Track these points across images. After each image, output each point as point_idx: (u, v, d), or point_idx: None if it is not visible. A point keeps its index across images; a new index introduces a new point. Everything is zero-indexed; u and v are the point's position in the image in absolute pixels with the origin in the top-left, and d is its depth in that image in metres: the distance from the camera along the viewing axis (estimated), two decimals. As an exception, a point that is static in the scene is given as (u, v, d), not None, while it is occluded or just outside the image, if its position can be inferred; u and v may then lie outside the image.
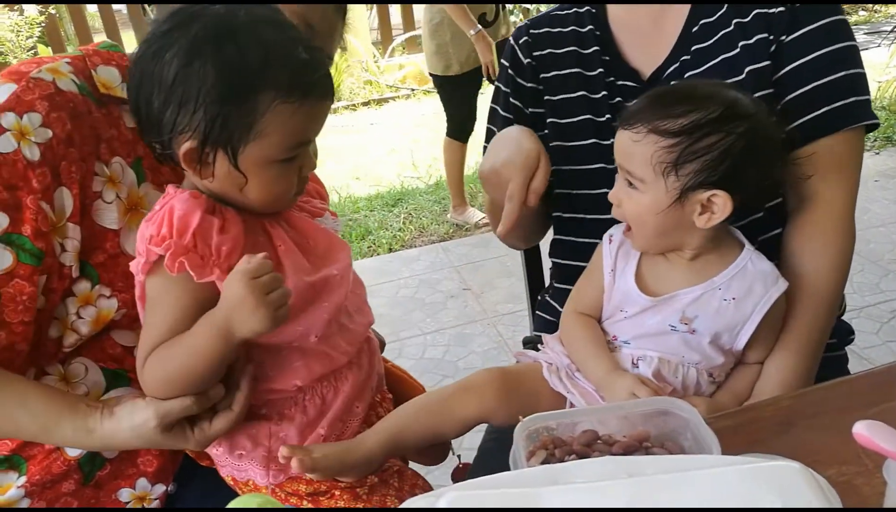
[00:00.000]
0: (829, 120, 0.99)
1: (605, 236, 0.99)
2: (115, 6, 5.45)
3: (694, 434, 0.71)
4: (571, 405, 0.96)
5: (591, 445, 0.72)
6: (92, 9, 5.67)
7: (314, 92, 0.81)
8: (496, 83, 1.23)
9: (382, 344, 1.18)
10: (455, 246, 3.26)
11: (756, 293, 0.91)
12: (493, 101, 1.23)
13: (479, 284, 2.91)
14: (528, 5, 5.48)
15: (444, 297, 2.85)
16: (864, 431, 0.61)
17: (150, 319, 0.85)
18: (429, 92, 5.38)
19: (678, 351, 0.92)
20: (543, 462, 0.70)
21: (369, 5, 5.76)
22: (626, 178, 0.89)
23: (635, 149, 0.86)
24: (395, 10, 5.75)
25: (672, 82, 1.05)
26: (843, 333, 1.13)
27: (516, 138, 0.99)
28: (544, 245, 1.38)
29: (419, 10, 5.66)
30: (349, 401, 0.95)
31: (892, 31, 4.18)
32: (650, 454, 0.72)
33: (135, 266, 0.84)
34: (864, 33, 5.61)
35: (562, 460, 0.70)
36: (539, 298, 1.30)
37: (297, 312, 0.86)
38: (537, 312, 1.28)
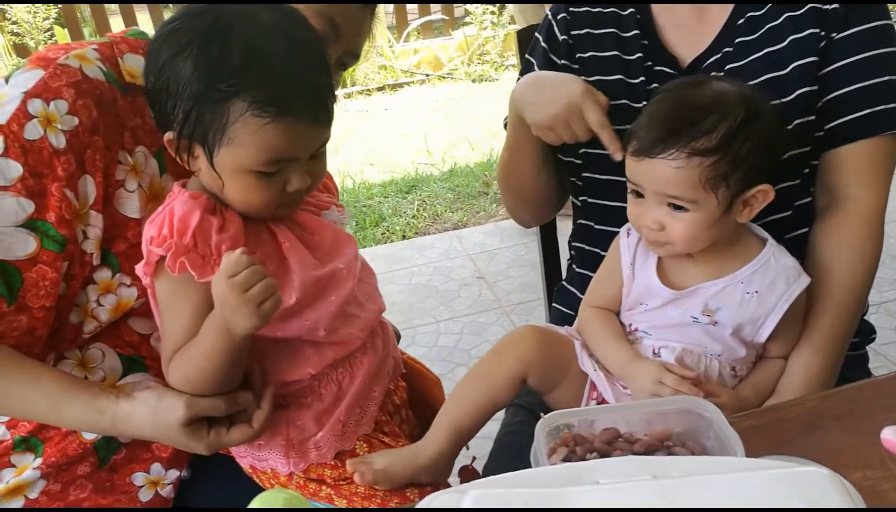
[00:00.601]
0: (870, 122, 0.98)
1: (623, 230, 0.98)
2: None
3: (717, 434, 0.70)
4: (593, 388, 0.96)
5: (612, 444, 0.72)
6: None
7: (293, 113, 0.77)
8: (526, 55, 1.21)
9: (397, 336, 1.18)
10: (469, 234, 3.24)
11: (779, 288, 0.91)
12: (522, 73, 1.21)
13: (492, 272, 2.90)
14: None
15: (458, 285, 2.84)
16: (892, 436, 0.60)
17: (165, 323, 0.86)
18: (443, 78, 5.35)
19: (700, 341, 0.91)
20: (565, 459, 0.70)
21: (385, -11, 5.72)
22: (671, 202, 0.86)
23: (679, 175, 0.84)
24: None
25: (713, 73, 1.03)
26: (865, 332, 1.12)
27: (557, 80, 1.00)
28: (562, 236, 1.38)
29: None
30: (366, 385, 0.95)
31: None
32: (672, 454, 0.71)
33: (139, 269, 0.84)
34: None
35: (583, 458, 0.70)
36: (556, 288, 1.29)
37: (304, 307, 0.87)
38: (554, 304, 1.27)
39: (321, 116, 0.80)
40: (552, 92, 1.00)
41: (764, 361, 0.97)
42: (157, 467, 0.99)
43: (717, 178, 0.84)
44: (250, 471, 0.98)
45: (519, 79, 1.20)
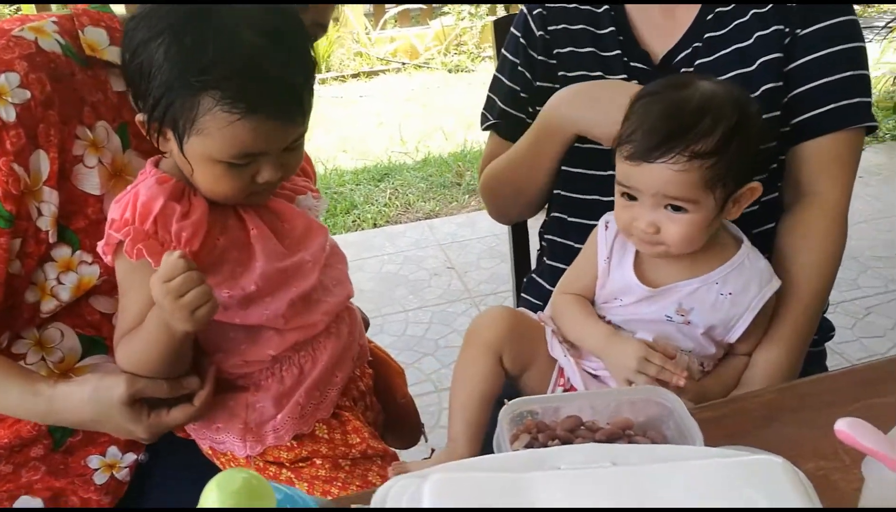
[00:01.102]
0: (834, 118, 1.00)
1: (601, 222, 0.98)
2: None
3: (677, 423, 0.71)
4: (561, 375, 0.96)
5: (574, 431, 0.72)
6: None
7: (263, 110, 0.75)
8: (502, 51, 1.21)
9: (366, 323, 1.17)
10: (441, 224, 3.24)
11: (751, 290, 0.92)
12: (499, 70, 1.21)
13: (463, 263, 2.90)
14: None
15: (428, 274, 2.84)
16: (846, 428, 0.61)
17: (122, 303, 0.86)
18: (419, 67, 5.33)
19: (673, 338, 0.92)
20: (527, 446, 0.70)
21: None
22: (671, 204, 0.86)
23: (681, 177, 0.84)
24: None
25: (683, 69, 1.04)
26: (824, 330, 1.14)
27: (608, 91, 1.00)
28: (532, 229, 1.38)
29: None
30: (328, 370, 0.94)
31: (884, 27, 4.19)
32: (633, 442, 0.72)
33: (100, 247, 0.84)
34: (856, 29, 5.62)
35: (545, 445, 0.70)
36: (525, 279, 1.29)
37: (264, 295, 0.87)
38: (522, 294, 1.28)
39: (294, 114, 0.78)
40: (609, 103, 0.97)
41: (730, 357, 0.98)
42: (113, 450, 0.97)
43: (715, 179, 0.85)
44: (210, 453, 0.97)
45: (497, 74, 1.20)
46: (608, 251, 0.95)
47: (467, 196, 3.46)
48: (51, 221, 0.86)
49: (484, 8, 5.42)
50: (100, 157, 0.89)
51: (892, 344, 2.27)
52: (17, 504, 0.93)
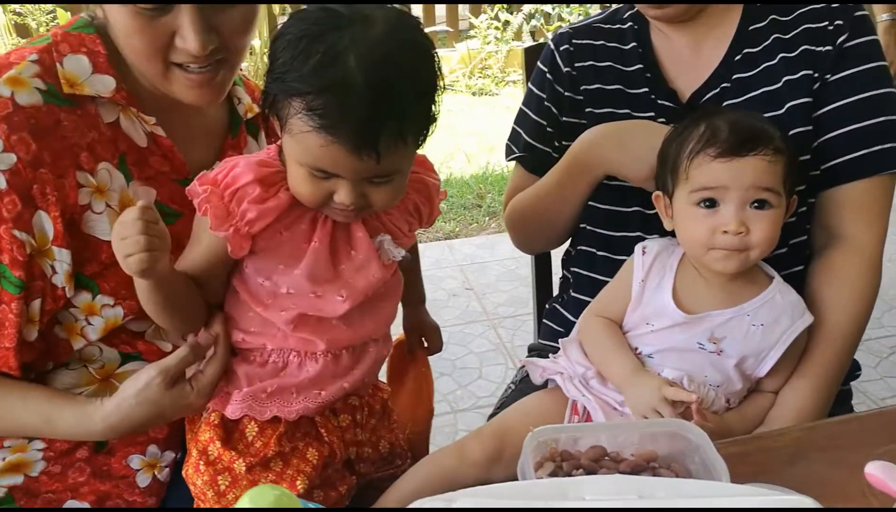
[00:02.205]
0: (866, 163, 1.00)
1: (638, 247, 0.99)
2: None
3: (702, 458, 0.71)
4: (575, 411, 0.96)
5: (598, 461, 0.72)
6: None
7: (334, 134, 0.76)
8: (529, 85, 1.22)
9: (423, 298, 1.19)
10: (461, 245, 3.25)
11: (783, 323, 0.92)
12: (525, 103, 1.22)
13: (481, 284, 2.91)
14: (547, 8, 5.47)
15: (447, 295, 2.84)
16: (877, 472, 0.61)
17: (186, 252, 0.90)
18: (444, 88, 5.36)
19: (702, 370, 0.92)
20: (551, 474, 0.70)
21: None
22: (758, 199, 0.89)
23: (771, 168, 0.89)
24: (416, 6, 5.74)
25: (713, 106, 1.04)
26: (851, 369, 1.12)
27: (638, 132, 1.02)
28: (555, 254, 1.38)
29: (440, 6, 5.64)
30: (310, 382, 0.93)
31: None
32: (657, 475, 0.72)
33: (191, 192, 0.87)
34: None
35: (569, 474, 0.70)
36: (547, 306, 1.29)
37: (289, 302, 0.88)
38: (544, 320, 1.28)
39: (365, 151, 0.77)
40: (641, 145, 1.00)
41: (756, 394, 0.97)
42: (153, 449, 0.98)
43: (787, 176, 0.91)
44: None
45: (524, 107, 1.21)
46: (644, 274, 0.96)
47: (487, 218, 3.47)
48: (65, 278, 0.85)
49: (509, 33, 5.47)
50: (107, 201, 0.88)
51: (916, 385, 2.24)
52: (66, 506, 0.95)
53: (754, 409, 0.96)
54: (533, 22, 5.50)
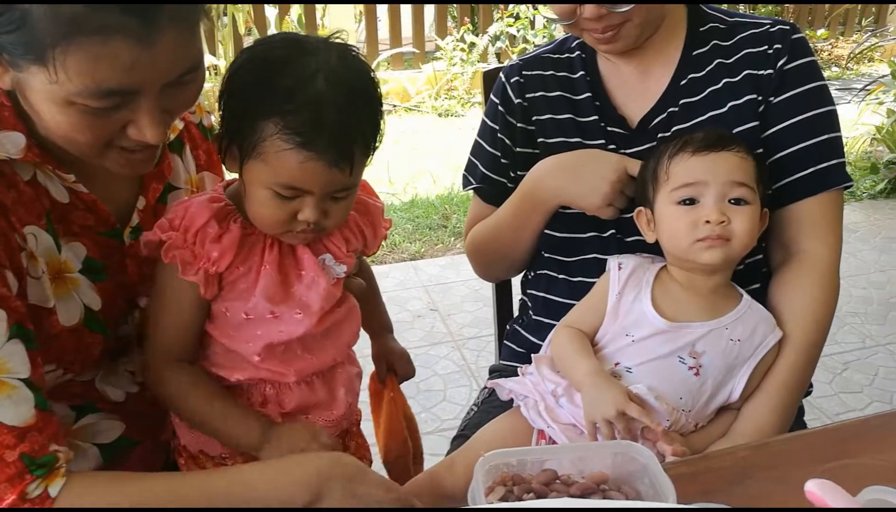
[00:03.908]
0: (816, 180, 1.04)
1: (613, 262, 1.02)
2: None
3: (651, 480, 0.72)
4: (542, 436, 0.97)
5: (549, 485, 0.72)
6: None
7: (314, 149, 0.80)
8: (483, 117, 1.24)
9: (389, 328, 1.20)
10: (426, 265, 3.25)
11: (756, 338, 0.97)
12: (480, 135, 1.24)
13: (447, 305, 2.91)
14: (513, 31, 5.55)
15: (412, 316, 2.84)
16: (815, 489, 0.63)
17: (154, 304, 0.91)
18: (410, 109, 5.40)
19: (677, 392, 0.94)
20: (502, 498, 0.70)
21: (357, 20, 5.78)
22: (737, 195, 0.95)
23: (744, 165, 0.96)
24: (382, 26, 5.77)
25: (660, 134, 1.07)
26: (803, 384, 1.15)
27: (589, 162, 1.06)
28: (514, 277, 1.39)
29: (407, 27, 5.69)
30: (297, 409, 0.95)
31: (862, 89, 4.32)
32: (607, 497, 0.72)
33: (144, 238, 0.89)
34: (836, 89, 5.79)
35: (520, 498, 0.70)
36: (508, 327, 1.30)
37: (253, 329, 0.90)
38: (505, 341, 1.28)
39: (341, 162, 0.82)
40: (592, 176, 1.04)
41: (721, 411, 0.99)
42: None
43: (759, 178, 0.97)
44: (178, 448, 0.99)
45: (478, 139, 1.23)
46: (620, 287, 0.98)
47: (453, 238, 3.49)
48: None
49: (475, 55, 5.53)
50: (41, 266, 0.82)
51: (870, 400, 2.29)
52: None
53: (720, 428, 0.98)
54: (498, 44, 5.58)
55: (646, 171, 1.01)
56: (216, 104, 0.88)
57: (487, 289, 1.47)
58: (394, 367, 1.19)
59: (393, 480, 1.10)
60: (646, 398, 0.91)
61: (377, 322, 1.19)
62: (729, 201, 0.94)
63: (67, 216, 0.86)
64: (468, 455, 0.98)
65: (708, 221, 0.93)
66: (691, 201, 0.95)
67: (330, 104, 0.80)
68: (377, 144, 0.89)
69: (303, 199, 0.84)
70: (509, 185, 1.19)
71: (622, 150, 1.09)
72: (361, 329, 1.05)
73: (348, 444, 1.06)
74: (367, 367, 1.21)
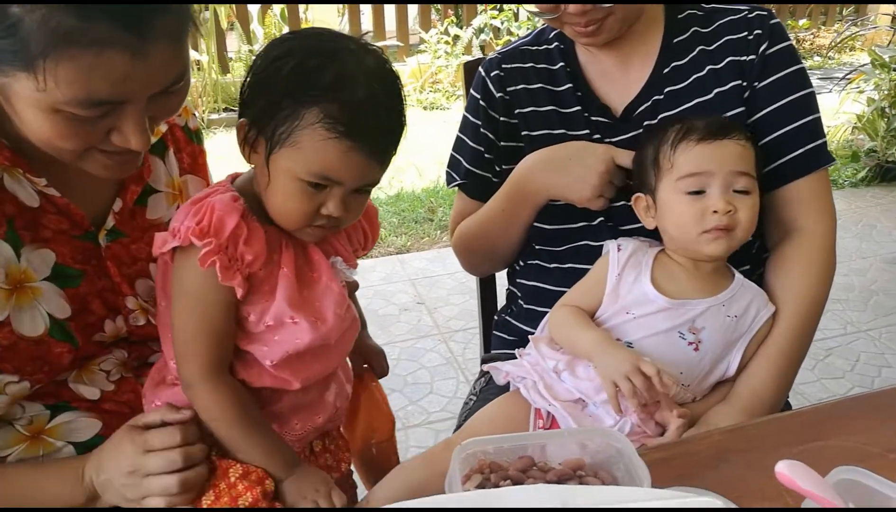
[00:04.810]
0: (806, 161, 1.06)
1: (612, 244, 1.03)
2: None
3: (626, 465, 0.73)
4: (539, 416, 0.98)
5: (526, 472, 0.73)
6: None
7: (356, 140, 0.80)
8: (464, 113, 1.24)
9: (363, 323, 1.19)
10: (412, 259, 3.26)
11: (751, 313, 0.99)
12: (461, 131, 1.24)
13: (433, 298, 2.91)
14: (497, 23, 5.55)
15: (398, 309, 2.84)
16: (786, 470, 0.64)
17: (176, 306, 0.86)
18: (396, 103, 5.40)
19: (678, 366, 0.96)
20: (479, 486, 0.70)
21: (340, 13, 5.76)
22: (741, 183, 0.96)
23: (747, 153, 0.98)
24: (366, 19, 5.75)
25: (646, 121, 1.08)
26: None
27: (576, 154, 1.06)
28: (503, 270, 1.40)
29: (391, 21, 5.67)
30: (280, 412, 0.94)
31: (843, 78, 4.36)
32: (583, 483, 0.73)
33: (161, 241, 0.84)
34: (818, 78, 5.83)
35: (496, 485, 0.71)
36: (496, 317, 1.31)
37: (266, 334, 0.88)
38: (495, 331, 1.29)
39: (378, 155, 0.84)
40: (580, 168, 1.04)
41: (718, 384, 1.02)
42: None
43: (757, 165, 0.99)
44: None
45: (460, 134, 1.22)
46: (620, 269, 1.00)
47: (439, 232, 3.49)
48: None
49: (459, 47, 5.53)
50: None
51: (851, 385, 2.32)
52: None
53: (718, 396, 1.00)
54: (482, 36, 5.58)
55: (645, 158, 1.02)
56: (198, 100, 0.87)
57: (474, 281, 1.47)
58: (371, 363, 1.19)
59: (385, 458, 1.13)
60: (654, 364, 0.93)
61: None
62: (733, 191, 0.96)
63: (37, 221, 0.84)
64: (464, 437, 0.98)
65: (715, 212, 0.94)
66: (698, 192, 0.96)
67: (373, 99, 0.81)
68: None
69: (329, 192, 0.83)
70: (494, 179, 1.19)
71: (607, 140, 1.09)
72: None
73: (328, 446, 1.05)
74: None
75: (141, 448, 0.83)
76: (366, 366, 1.18)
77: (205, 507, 0.85)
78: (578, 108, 1.11)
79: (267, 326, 0.87)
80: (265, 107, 0.82)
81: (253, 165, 0.88)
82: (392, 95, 0.84)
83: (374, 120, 0.82)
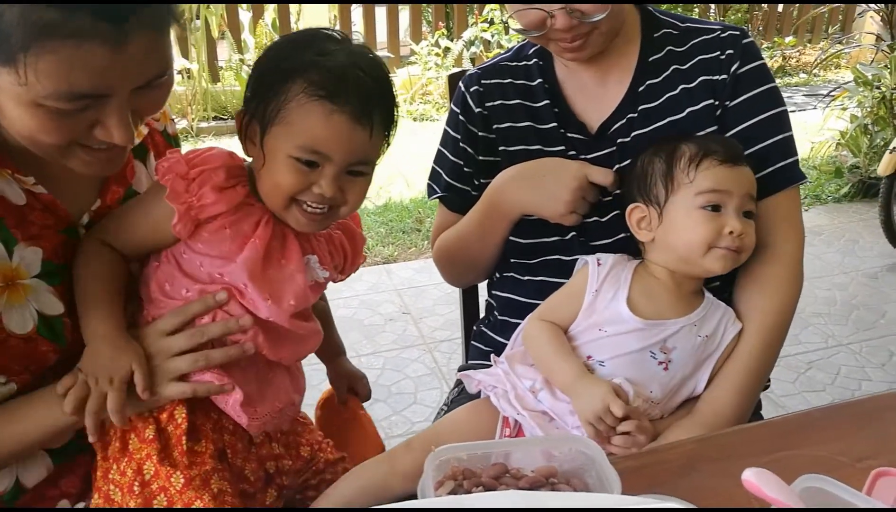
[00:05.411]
0: (777, 179, 1.07)
1: (592, 259, 1.04)
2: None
3: (598, 473, 0.73)
4: (506, 424, 0.99)
5: (499, 478, 0.74)
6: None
7: (337, 102, 0.82)
8: (445, 127, 1.25)
9: (342, 350, 1.21)
10: (398, 269, 3.26)
11: (719, 331, 1.01)
12: (442, 144, 1.25)
13: (419, 308, 2.92)
14: (487, 36, 5.59)
15: (384, 319, 2.85)
16: (752, 478, 0.65)
17: (127, 205, 0.93)
18: (385, 114, 5.42)
19: (648, 384, 0.97)
20: (451, 492, 0.71)
21: (332, 24, 5.79)
22: (750, 209, 1.00)
23: (752, 180, 1.02)
24: (357, 31, 5.78)
25: (620, 139, 1.10)
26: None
27: (549, 170, 1.08)
28: (483, 281, 1.41)
29: (381, 32, 5.71)
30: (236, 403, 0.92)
31: (827, 95, 4.42)
32: (555, 490, 0.74)
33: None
34: (803, 95, 5.91)
35: (469, 491, 0.71)
36: (474, 328, 1.32)
37: (219, 281, 0.90)
38: (472, 342, 1.30)
39: (363, 122, 0.85)
40: (554, 184, 1.06)
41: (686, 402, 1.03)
42: (64, 503, 0.94)
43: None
44: None
45: (441, 148, 1.24)
46: (598, 285, 1.01)
47: (426, 242, 3.50)
48: None
49: (450, 59, 5.56)
50: None
51: (832, 398, 2.34)
52: None
53: (683, 412, 1.02)
54: (473, 49, 5.61)
55: (650, 170, 1.03)
56: (188, 109, 0.90)
57: (459, 292, 1.48)
58: (355, 388, 1.19)
59: None
60: (627, 391, 0.96)
61: (332, 347, 1.20)
62: (743, 214, 0.99)
63: (26, 218, 0.85)
64: (427, 438, 0.99)
65: (731, 232, 0.97)
66: (715, 208, 0.98)
67: (354, 67, 0.85)
68: (391, 136, 0.91)
69: (321, 172, 0.85)
70: (473, 193, 1.20)
71: (582, 156, 1.11)
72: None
73: (299, 438, 1.05)
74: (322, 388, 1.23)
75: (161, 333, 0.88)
76: (349, 390, 1.19)
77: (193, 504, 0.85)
78: (555, 124, 1.13)
79: (223, 280, 0.89)
80: (256, 90, 0.87)
81: (252, 158, 0.91)
82: (375, 67, 0.87)
83: (356, 83, 0.84)
